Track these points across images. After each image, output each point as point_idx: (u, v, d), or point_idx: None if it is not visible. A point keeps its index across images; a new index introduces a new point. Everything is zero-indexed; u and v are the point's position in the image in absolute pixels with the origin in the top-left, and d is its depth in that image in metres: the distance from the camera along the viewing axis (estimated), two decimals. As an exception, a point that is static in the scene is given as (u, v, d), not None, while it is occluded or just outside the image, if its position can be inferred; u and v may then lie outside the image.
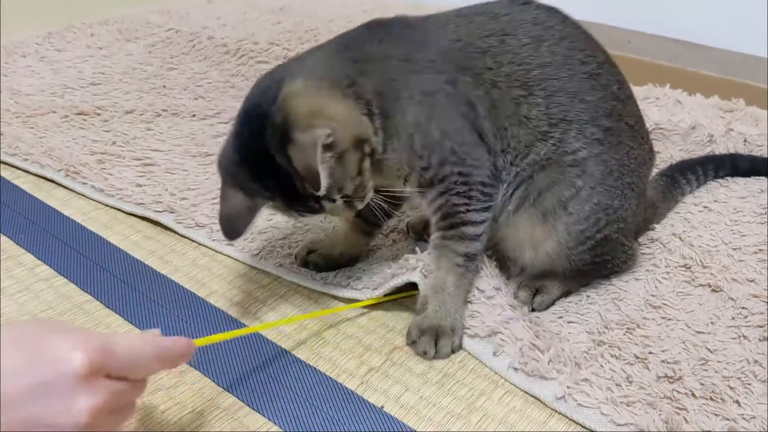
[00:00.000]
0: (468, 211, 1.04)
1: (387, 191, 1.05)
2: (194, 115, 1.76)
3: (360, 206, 1.03)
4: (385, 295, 1.12)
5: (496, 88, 1.05)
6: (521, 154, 1.07)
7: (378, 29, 1.08)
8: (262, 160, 0.96)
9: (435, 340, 1.03)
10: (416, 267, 1.10)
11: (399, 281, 1.11)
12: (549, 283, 1.13)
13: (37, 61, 2.05)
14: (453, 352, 1.04)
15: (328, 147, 0.92)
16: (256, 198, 1.01)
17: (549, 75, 1.06)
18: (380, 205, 1.06)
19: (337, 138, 0.94)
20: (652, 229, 1.29)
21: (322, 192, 0.94)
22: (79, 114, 1.73)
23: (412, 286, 1.11)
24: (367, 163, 1.00)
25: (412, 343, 1.05)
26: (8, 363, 0.68)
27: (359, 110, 0.99)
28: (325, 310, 1.12)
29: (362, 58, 1.03)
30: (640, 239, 1.27)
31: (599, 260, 1.11)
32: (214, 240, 1.30)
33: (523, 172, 1.07)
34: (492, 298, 1.08)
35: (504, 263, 1.18)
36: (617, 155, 1.08)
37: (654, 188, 1.33)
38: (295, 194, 0.98)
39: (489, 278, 1.11)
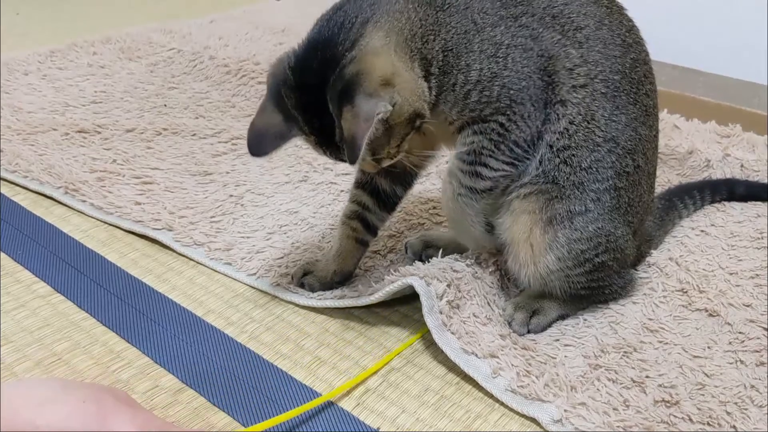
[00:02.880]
0: (491, 156, 1.04)
1: (420, 153, 1.07)
2: (194, 134, 1.77)
3: (387, 164, 1.04)
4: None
5: (584, 62, 1.04)
6: (565, 148, 1.05)
7: None
8: (315, 96, 0.95)
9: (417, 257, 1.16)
10: (415, 273, 1.10)
11: (396, 286, 1.11)
12: (546, 304, 1.13)
13: (38, 79, 2.06)
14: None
15: (383, 120, 0.93)
16: (293, 127, 1.00)
17: (623, 88, 1.06)
18: (405, 164, 1.07)
19: (396, 112, 0.94)
20: (650, 254, 1.30)
21: (353, 164, 0.94)
22: (79, 132, 1.74)
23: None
24: (411, 135, 1.01)
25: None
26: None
27: (421, 74, 0.99)
28: (382, 360, 1.08)
29: (442, 4, 1.01)
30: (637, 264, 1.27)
31: (595, 285, 1.11)
32: (211, 259, 1.30)
33: (552, 167, 1.06)
34: (486, 325, 1.09)
35: (504, 282, 1.19)
36: (632, 194, 1.09)
37: (651, 215, 1.34)
38: (331, 140, 0.97)
39: (481, 307, 1.11)
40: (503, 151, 1.04)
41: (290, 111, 0.98)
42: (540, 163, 1.06)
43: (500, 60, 1.00)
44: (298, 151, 1.69)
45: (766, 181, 1.52)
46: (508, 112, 1.01)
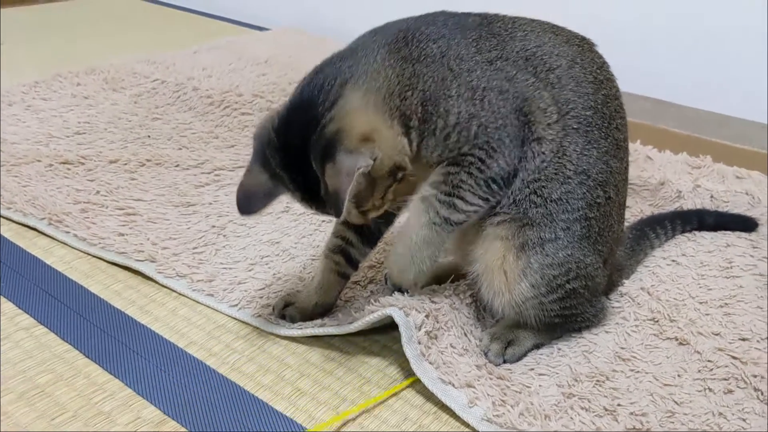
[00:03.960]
0: (469, 191, 1.07)
1: (402, 200, 1.10)
2: (177, 165, 1.79)
3: (374, 215, 1.09)
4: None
5: (555, 101, 1.08)
6: (536, 180, 1.08)
7: (436, 23, 1.10)
8: (298, 156, 1.00)
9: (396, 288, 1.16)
10: (394, 304, 1.13)
11: (376, 316, 1.13)
12: (521, 334, 1.16)
13: (23, 110, 2.08)
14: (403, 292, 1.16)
15: (365, 174, 0.97)
16: (279, 185, 1.05)
17: (595, 124, 1.10)
18: (388, 210, 1.11)
19: (377, 166, 0.99)
20: (621, 284, 1.33)
21: (339, 218, 0.99)
22: (63, 163, 1.75)
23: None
24: (394, 187, 1.05)
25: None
26: None
27: (401, 130, 1.03)
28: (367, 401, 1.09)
29: (418, 56, 1.05)
30: (610, 294, 1.30)
31: (568, 313, 1.15)
32: (194, 290, 1.32)
33: (523, 198, 1.09)
34: (462, 355, 1.11)
35: (480, 313, 1.22)
36: (602, 224, 1.13)
37: (622, 244, 1.38)
38: (317, 195, 1.01)
39: (458, 338, 1.14)
40: (480, 186, 1.07)
41: (276, 170, 1.03)
42: (512, 194, 1.09)
43: (477, 102, 1.04)
44: (280, 181, 1.72)
45: (734, 211, 1.56)
46: (486, 148, 1.05)
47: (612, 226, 1.16)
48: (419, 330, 1.11)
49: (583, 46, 1.16)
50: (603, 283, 1.20)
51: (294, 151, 1.01)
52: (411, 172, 1.06)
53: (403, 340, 1.10)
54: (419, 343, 1.10)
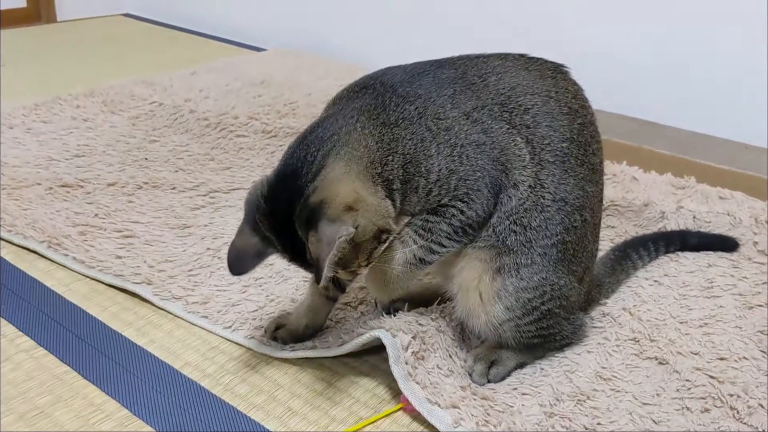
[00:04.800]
0: (447, 237, 1.12)
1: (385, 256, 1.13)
2: (174, 188, 1.83)
3: (362, 273, 1.13)
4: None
5: (529, 143, 1.12)
6: (515, 213, 1.13)
7: (411, 83, 1.14)
8: (286, 222, 1.04)
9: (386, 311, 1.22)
10: (382, 326, 1.17)
11: (365, 338, 1.17)
12: (504, 354, 1.20)
13: (23, 133, 2.13)
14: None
15: (348, 240, 1.01)
16: (269, 246, 1.10)
17: (571, 153, 1.15)
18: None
19: (360, 233, 1.03)
20: (604, 304, 1.37)
21: (319, 284, 1.03)
22: (62, 186, 1.80)
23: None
24: (380, 249, 1.09)
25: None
26: None
27: (384, 194, 1.07)
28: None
29: (396, 120, 1.09)
30: (592, 313, 1.35)
31: (546, 333, 1.18)
32: (189, 312, 1.35)
33: (503, 229, 1.13)
34: (448, 377, 1.15)
35: (465, 335, 1.25)
36: (578, 246, 1.17)
37: (603, 263, 1.42)
38: (303, 258, 1.06)
39: (444, 359, 1.18)
40: (457, 232, 1.13)
41: (265, 234, 1.08)
42: (491, 226, 1.14)
43: (456, 158, 1.09)
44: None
45: (716, 232, 1.60)
46: (466, 199, 1.11)
47: (587, 246, 1.20)
48: (406, 351, 1.14)
49: (556, 77, 1.20)
50: (579, 301, 1.24)
51: (282, 218, 1.05)
52: (396, 232, 1.11)
53: (391, 360, 1.13)
54: (406, 363, 1.14)
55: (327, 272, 1.01)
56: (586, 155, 1.17)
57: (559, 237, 1.14)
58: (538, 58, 1.23)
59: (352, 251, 1.05)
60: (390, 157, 1.08)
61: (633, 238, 1.57)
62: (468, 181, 1.10)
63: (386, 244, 1.10)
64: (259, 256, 1.11)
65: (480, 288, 1.14)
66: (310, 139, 1.08)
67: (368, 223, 1.04)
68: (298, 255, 1.07)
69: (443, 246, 1.13)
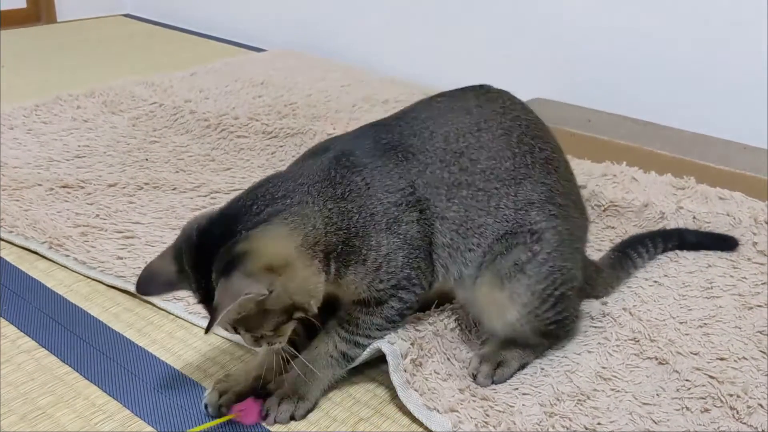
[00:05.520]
0: (376, 329, 1.15)
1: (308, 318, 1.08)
2: (175, 189, 1.84)
3: (271, 346, 1.07)
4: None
5: (468, 189, 1.14)
6: (485, 239, 1.15)
7: (354, 153, 1.13)
8: (207, 260, 0.99)
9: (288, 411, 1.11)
10: (383, 337, 1.17)
11: (368, 352, 1.17)
12: (510, 355, 1.20)
13: (24, 133, 2.13)
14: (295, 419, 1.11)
15: (255, 302, 0.96)
16: (182, 282, 1.04)
17: (519, 164, 1.17)
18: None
19: (273, 299, 0.98)
20: (604, 304, 1.38)
21: (205, 332, 0.96)
22: (63, 187, 1.80)
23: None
24: (289, 326, 1.05)
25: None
26: None
27: (320, 266, 1.05)
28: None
29: (343, 193, 1.08)
30: (593, 313, 1.35)
31: (560, 318, 1.20)
32: (190, 313, 1.36)
33: (483, 249, 1.15)
34: (446, 380, 1.15)
35: (466, 336, 1.26)
36: (567, 225, 1.19)
37: (603, 260, 1.44)
38: (211, 304, 0.98)
39: (441, 363, 1.18)
40: (393, 319, 1.16)
41: (185, 267, 1.02)
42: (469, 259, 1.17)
43: (401, 235, 1.10)
44: (275, 204, 1.77)
45: (716, 232, 1.60)
46: (407, 285, 1.13)
47: (575, 221, 1.22)
48: (405, 358, 1.15)
49: (482, 104, 1.21)
50: (583, 280, 1.26)
51: (205, 255, 0.99)
52: (313, 316, 1.07)
53: (390, 368, 1.14)
54: (405, 371, 1.14)
55: (223, 326, 0.97)
56: (534, 156, 1.19)
57: (546, 227, 1.16)
58: (460, 91, 1.25)
59: (258, 315, 1.00)
60: (337, 233, 1.06)
61: (630, 237, 1.57)
62: (412, 259, 1.11)
63: (293, 324, 1.06)
64: (169, 286, 1.06)
65: (492, 299, 1.16)
66: (262, 191, 1.06)
67: (285, 293, 1.00)
68: (209, 299, 0.99)
69: (371, 338, 1.15)
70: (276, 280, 0.98)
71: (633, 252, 1.49)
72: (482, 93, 1.24)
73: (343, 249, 1.07)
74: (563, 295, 1.17)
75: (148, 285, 1.07)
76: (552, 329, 1.21)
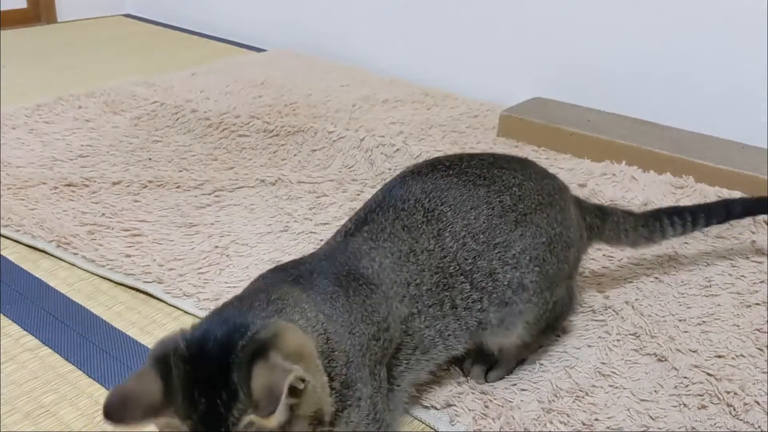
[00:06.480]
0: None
1: None
2: (179, 187, 1.85)
3: None
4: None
5: (461, 283, 1.07)
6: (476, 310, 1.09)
7: (355, 272, 1.01)
8: (211, 370, 0.78)
9: None
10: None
11: None
12: (503, 356, 1.20)
13: (26, 133, 2.14)
14: None
15: (294, 392, 0.77)
16: (169, 405, 0.78)
17: (502, 218, 1.10)
18: None
19: (308, 396, 0.80)
20: (606, 297, 1.39)
21: (274, 423, 0.75)
22: (68, 185, 1.81)
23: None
24: None
25: None
26: None
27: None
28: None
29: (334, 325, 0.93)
30: (595, 306, 1.37)
31: (559, 312, 1.19)
32: (201, 309, 1.37)
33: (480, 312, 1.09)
34: (442, 376, 1.17)
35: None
36: (552, 230, 1.14)
37: (634, 214, 1.39)
38: (217, 424, 0.76)
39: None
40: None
41: (175, 387, 0.78)
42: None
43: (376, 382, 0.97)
44: (279, 202, 1.79)
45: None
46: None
47: (559, 219, 1.16)
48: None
49: (464, 171, 1.13)
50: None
51: (207, 364, 0.79)
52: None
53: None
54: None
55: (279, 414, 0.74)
56: (515, 204, 1.12)
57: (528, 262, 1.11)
58: (442, 161, 1.18)
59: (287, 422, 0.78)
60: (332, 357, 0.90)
61: (670, 207, 1.45)
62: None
63: None
64: (151, 412, 0.77)
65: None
66: (253, 299, 0.90)
67: (313, 391, 0.81)
68: (209, 423, 0.77)
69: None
70: (306, 367, 0.79)
71: (666, 218, 1.39)
72: (466, 159, 1.17)
73: (344, 371, 0.91)
74: (559, 283, 1.15)
75: (124, 411, 0.77)
76: (559, 311, 1.19)
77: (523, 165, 1.21)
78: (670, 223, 1.39)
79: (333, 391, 0.88)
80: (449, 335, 1.06)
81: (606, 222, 1.32)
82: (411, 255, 1.05)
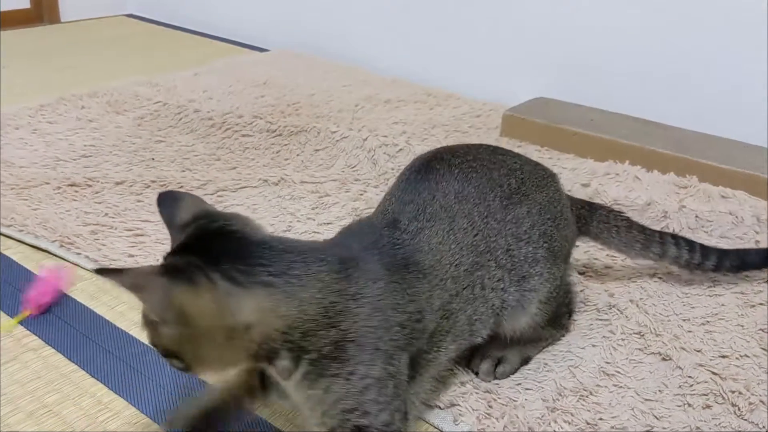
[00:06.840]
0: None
1: None
2: (182, 187, 1.84)
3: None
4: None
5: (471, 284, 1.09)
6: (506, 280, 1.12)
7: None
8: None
9: None
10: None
11: None
12: (510, 352, 1.21)
13: (29, 133, 2.14)
14: None
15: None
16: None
17: (504, 206, 1.14)
18: None
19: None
20: (611, 296, 1.40)
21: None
22: (71, 185, 1.81)
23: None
24: None
25: None
26: None
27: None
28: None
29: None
30: (599, 305, 1.37)
31: (567, 286, 1.25)
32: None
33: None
34: (446, 376, 1.16)
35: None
36: (554, 208, 1.20)
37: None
38: None
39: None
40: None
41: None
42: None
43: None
44: (282, 202, 1.78)
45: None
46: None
47: (566, 220, 1.23)
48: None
49: (469, 168, 1.16)
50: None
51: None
52: None
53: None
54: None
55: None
56: (519, 186, 1.17)
57: (534, 243, 1.16)
58: (455, 150, 1.22)
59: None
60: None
61: (685, 238, 1.40)
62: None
63: None
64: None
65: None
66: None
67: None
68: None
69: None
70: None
71: (674, 245, 1.37)
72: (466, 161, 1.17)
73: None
74: (562, 280, 1.21)
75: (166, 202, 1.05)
76: (567, 298, 1.26)
77: (515, 153, 1.27)
78: (675, 243, 1.37)
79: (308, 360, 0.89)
80: (476, 320, 1.09)
81: (593, 215, 1.37)
82: (451, 234, 1.08)
